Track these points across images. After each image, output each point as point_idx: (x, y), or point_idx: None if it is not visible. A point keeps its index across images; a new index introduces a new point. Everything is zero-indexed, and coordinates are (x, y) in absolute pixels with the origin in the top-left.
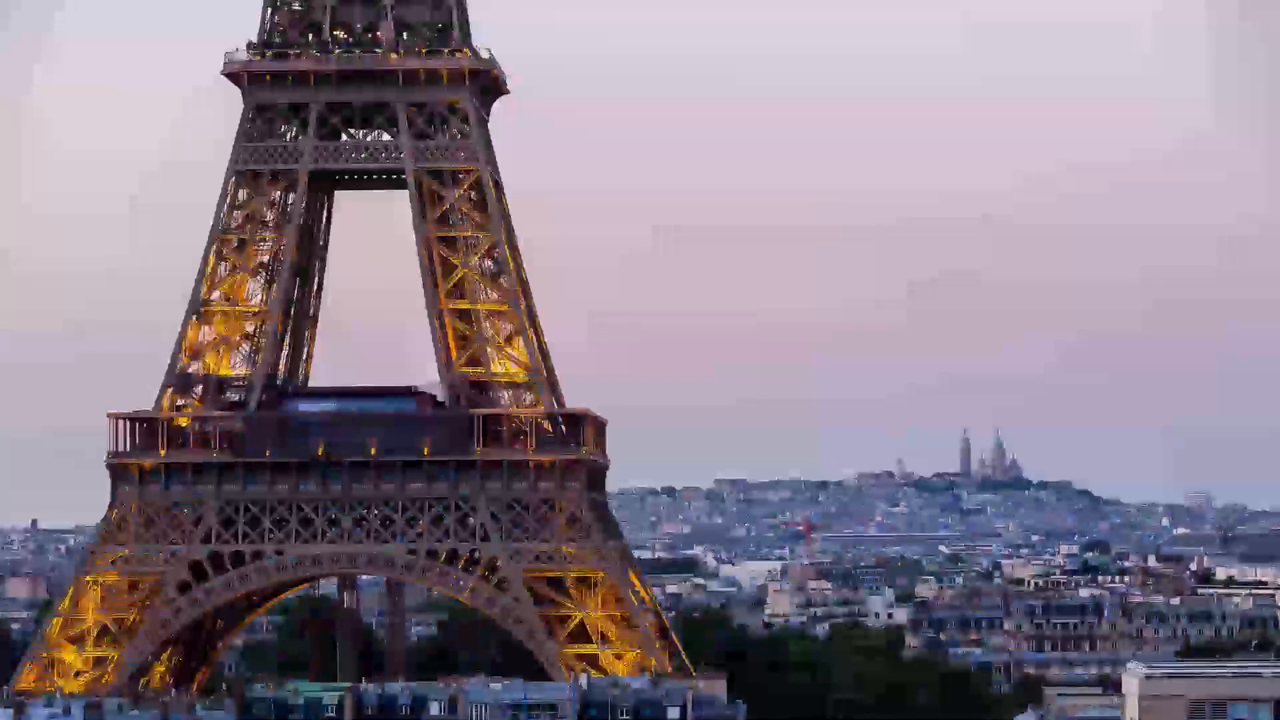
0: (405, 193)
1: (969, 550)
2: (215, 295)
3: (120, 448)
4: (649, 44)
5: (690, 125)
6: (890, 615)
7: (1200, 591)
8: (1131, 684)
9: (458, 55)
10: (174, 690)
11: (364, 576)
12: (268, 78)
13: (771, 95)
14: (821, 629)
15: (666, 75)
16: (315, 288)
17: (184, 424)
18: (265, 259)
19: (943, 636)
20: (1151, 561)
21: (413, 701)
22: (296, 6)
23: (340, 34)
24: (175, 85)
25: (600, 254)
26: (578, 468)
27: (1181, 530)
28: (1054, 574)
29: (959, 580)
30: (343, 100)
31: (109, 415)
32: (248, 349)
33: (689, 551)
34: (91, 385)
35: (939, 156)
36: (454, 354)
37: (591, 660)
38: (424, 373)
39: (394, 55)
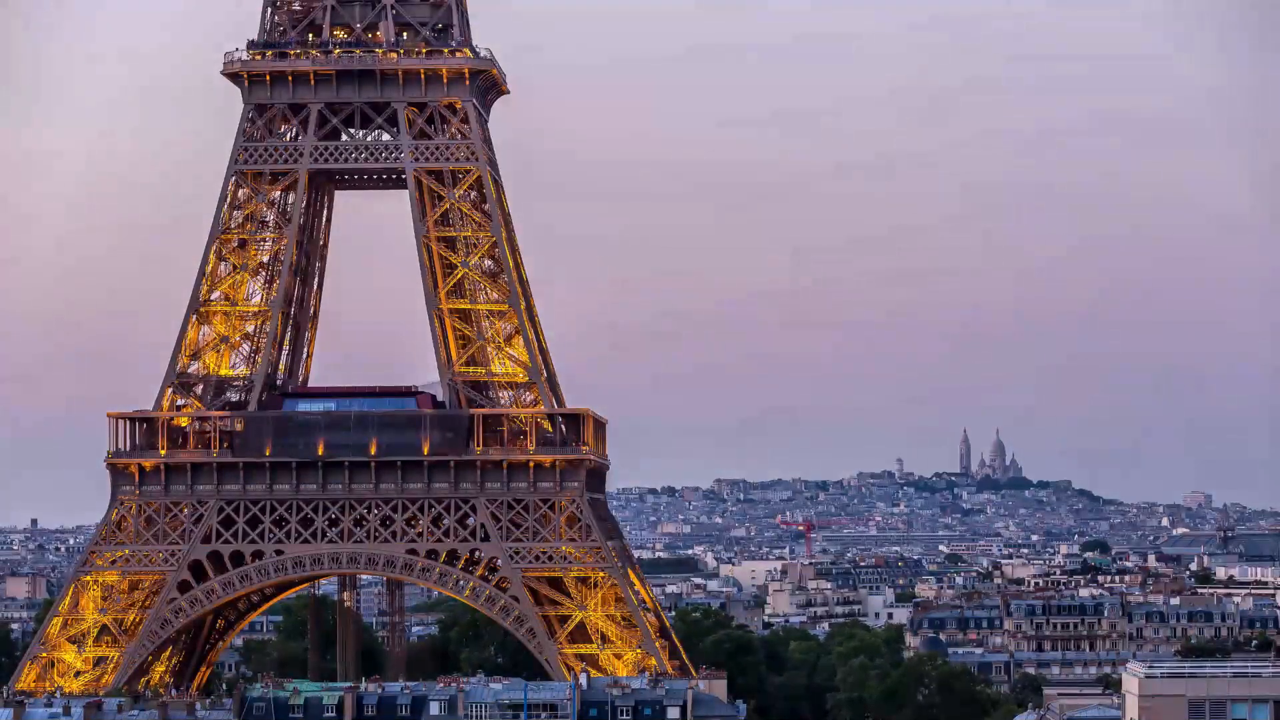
0: (405, 193)
1: (969, 550)
2: (215, 295)
3: (120, 448)
4: (647, 41)
5: (688, 121)
6: (890, 615)
7: (1200, 591)
8: (1131, 684)
9: (457, 55)
10: (174, 690)
11: (364, 576)
12: (268, 78)
13: (770, 85)
14: (821, 629)
15: (666, 71)
16: (315, 288)
17: (184, 424)
18: (265, 259)
19: (943, 636)
20: (1151, 561)
21: (413, 701)
22: (296, 6)
23: (340, 34)
24: (175, 84)
25: (600, 252)
26: (578, 468)
27: (1181, 530)
28: (1054, 574)
29: (959, 580)
30: (343, 100)
31: (109, 415)
32: (248, 349)
33: (689, 551)
34: (91, 385)
35: None
36: (454, 354)
37: (591, 660)
38: (424, 373)
39: (394, 55)
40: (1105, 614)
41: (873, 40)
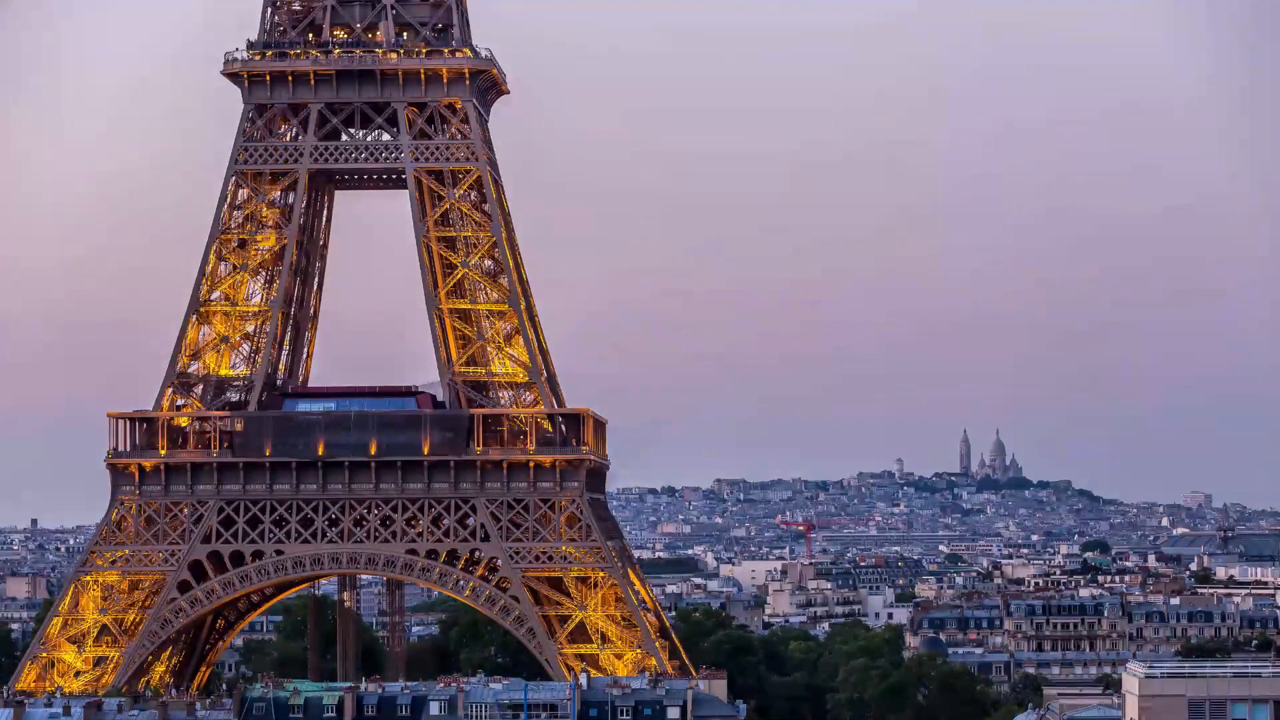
0: (405, 193)
1: (969, 550)
2: (215, 295)
3: (120, 448)
4: (646, 39)
5: (688, 119)
6: (890, 615)
7: (1200, 591)
8: (1131, 684)
9: (457, 55)
10: (174, 690)
11: (364, 576)
12: (268, 78)
13: (770, 81)
14: (821, 629)
15: (666, 70)
16: (315, 287)
17: (184, 424)
18: (265, 259)
19: (943, 636)
20: (1151, 561)
21: (413, 701)
22: (296, 6)
23: (340, 34)
24: (175, 84)
25: (600, 252)
26: (578, 468)
27: (1181, 530)
28: (1054, 574)
29: (959, 580)
30: (343, 100)
31: (109, 415)
32: (248, 349)
33: (689, 551)
34: (91, 385)
35: None
36: (454, 354)
37: (591, 660)
38: (424, 373)
39: (394, 55)
40: (1105, 614)
41: (872, 33)
